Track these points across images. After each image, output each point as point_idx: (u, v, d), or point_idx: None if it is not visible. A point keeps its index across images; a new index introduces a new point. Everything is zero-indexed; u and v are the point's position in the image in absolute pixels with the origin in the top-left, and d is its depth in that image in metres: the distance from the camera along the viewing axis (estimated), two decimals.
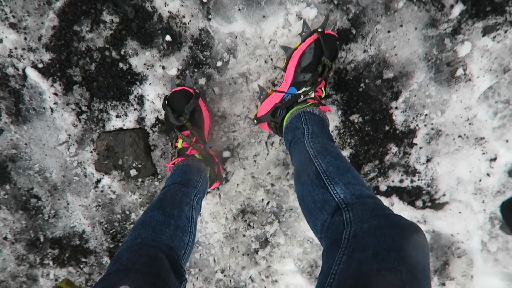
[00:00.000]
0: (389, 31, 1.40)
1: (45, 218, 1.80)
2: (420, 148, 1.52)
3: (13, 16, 1.50)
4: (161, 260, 0.92)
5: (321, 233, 0.90)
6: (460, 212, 1.56)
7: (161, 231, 1.03)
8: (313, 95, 1.30)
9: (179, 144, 1.42)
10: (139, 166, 1.65)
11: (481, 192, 1.53)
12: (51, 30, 1.52)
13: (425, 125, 1.49)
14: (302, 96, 1.30)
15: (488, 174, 1.51)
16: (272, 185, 1.67)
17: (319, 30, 1.29)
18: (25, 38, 1.53)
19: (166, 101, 1.41)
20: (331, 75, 1.48)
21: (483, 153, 1.49)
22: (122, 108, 1.60)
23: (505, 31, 1.34)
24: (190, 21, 1.47)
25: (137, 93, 1.57)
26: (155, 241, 1.00)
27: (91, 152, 1.67)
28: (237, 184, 1.68)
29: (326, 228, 0.87)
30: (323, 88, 1.34)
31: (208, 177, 1.45)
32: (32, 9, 1.49)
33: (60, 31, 1.52)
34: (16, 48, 1.54)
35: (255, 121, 1.47)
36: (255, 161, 1.64)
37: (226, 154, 1.63)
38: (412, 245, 0.69)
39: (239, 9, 1.43)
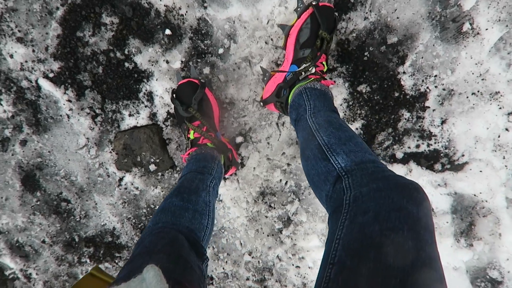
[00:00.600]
0: None
1: (77, 219, 1.74)
2: (433, 110, 1.36)
3: (19, 31, 1.42)
4: (181, 241, 0.90)
5: (326, 204, 0.85)
6: (481, 171, 1.39)
7: (181, 215, 1.00)
8: (313, 70, 1.17)
9: (191, 135, 1.34)
10: (157, 160, 1.55)
11: (501, 148, 1.36)
12: (56, 39, 1.43)
13: (435, 87, 1.33)
14: (303, 73, 1.17)
15: (506, 129, 1.33)
16: (288, 164, 1.55)
17: (314, 3, 1.16)
18: (33, 50, 1.45)
19: (174, 95, 1.32)
20: (333, 47, 1.33)
21: (500, 108, 1.31)
22: (133, 106, 1.50)
23: None
24: (186, 12, 1.35)
25: (146, 90, 1.47)
26: (175, 224, 0.97)
27: (110, 152, 1.59)
28: (254, 168, 1.56)
29: (329, 197, 0.82)
30: (324, 62, 1.21)
31: (223, 164, 1.36)
32: (35, 21, 1.41)
33: (65, 39, 1.43)
34: (26, 61, 1.46)
35: (262, 103, 1.35)
36: (268, 143, 1.52)
37: (239, 139, 1.52)
38: (412, 203, 0.65)
39: None
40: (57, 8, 1.39)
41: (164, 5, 1.35)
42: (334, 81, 1.36)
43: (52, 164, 1.63)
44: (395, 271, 0.55)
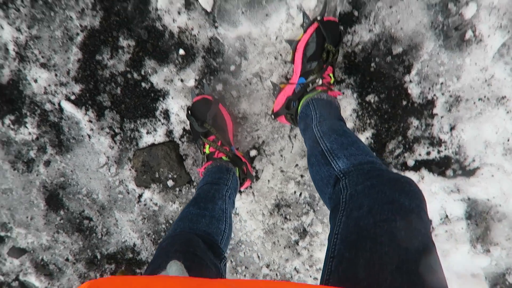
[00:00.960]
0: (391, 6, 1.28)
1: (99, 237, 1.78)
2: (442, 117, 1.38)
3: (42, 57, 1.50)
4: (196, 242, 0.93)
5: (329, 206, 0.89)
6: (492, 175, 1.40)
7: (198, 221, 1.04)
8: (320, 82, 1.21)
9: (207, 150, 1.38)
10: (175, 176, 1.60)
11: (511, 151, 1.38)
12: (77, 63, 1.50)
13: (442, 94, 1.35)
14: (310, 85, 1.22)
15: None
16: (302, 176, 1.57)
17: (318, 18, 1.21)
18: (56, 75, 1.52)
19: (189, 111, 1.37)
20: (340, 59, 1.38)
21: (507, 112, 1.33)
22: (150, 124, 1.56)
23: None
24: (199, 32, 1.41)
25: (162, 108, 1.53)
26: (192, 229, 1.01)
27: (130, 169, 1.64)
28: (268, 180, 1.59)
29: (330, 198, 0.86)
30: (331, 74, 1.25)
31: (238, 177, 1.40)
32: (57, 47, 1.49)
33: (85, 62, 1.50)
34: (49, 85, 1.54)
35: (273, 116, 1.40)
36: (281, 155, 1.55)
37: (253, 153, 1.56)
38: (404, 196, 0.69)
39: (242, 12, 1.36)
40: (77, 34, 1.47)
41: (178, 27, 1.41)
42: (342, 92, 1.40)
43: (74, 183, 1.69)
44: (390, 259, 0.58)
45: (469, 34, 1.26)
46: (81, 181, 1.69)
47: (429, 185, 1.45)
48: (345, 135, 0.97)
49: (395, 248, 0.60)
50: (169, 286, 0.49)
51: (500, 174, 1.39)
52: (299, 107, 1.24)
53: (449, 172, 1.44)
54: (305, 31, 1.25)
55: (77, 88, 1.53)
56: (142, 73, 1.49)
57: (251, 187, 1.62)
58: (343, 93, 1.41)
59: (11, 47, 1.49)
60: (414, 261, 0.58)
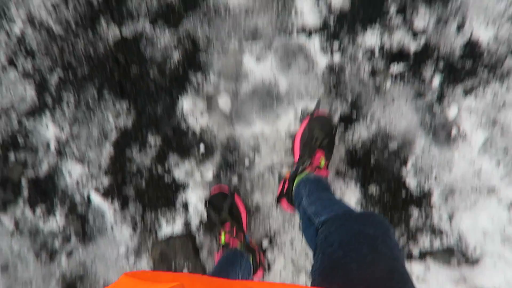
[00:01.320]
0: (384, 108, 1.52)
1: None
2: (440, 207, 1.52)
3: (78, 152, 1.72)
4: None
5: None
6: (495, 264, 1.48)
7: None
8: (309, 163, 1.41)
9: (222, 240, 1.50)
10: (190, 266, 1.70)
11: (509, 239, 1.47)
12: (108, 159, 1.72)
13: (438, 185, 1.51)
14: (301, 167, 1.41)
15: (511, 221, 1.47)
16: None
17: (310, 113, 1.47)
18: (88, 169, 1.72)
19: (207, 202, 1.54)
20: (342, 156, 1.56)
21: (499, 202, 1.47)
22: (170, 214, 1.70)
23: (483, 89, 1.44)
24: (218, 131, 1.64)
25: (182, 200, 1.69)
26: None
27: (147, 260, 1.74)
28: (280, 271, 1.67)
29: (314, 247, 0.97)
30: (322, 157, 1.43)
31: (251, 264, 1.49)
32: (92, 144, 1.71)
33: (115, 158, 1.71)
34: (81, 178, 1.73)
35: (276, 201, 1.55)
36: (292, 245, 1.66)
37: (265, 242, 1.67)
38: (369, 226, 0.80)
39: (256, 114, 1.61)
40: (112, 132, 1.71)
41: (200, 127, 1.65)
42: (328, 171, 1.56)
43: (93, 274, 1.78)
44: (360, 281, 0.67)
45: (454, 131, 1.46)
46: (99, 271, 1.78)
47: (436, 275, 1.52)
48: (330, 200, 1.12)
49: (363, 272, 0.69)
50: (193, 280, 0.60)
51: (502, 263, 1.47)
52: (293, 188, 1.41)
53: (454, 261, 1.52)
54: (300, 124, 1.50)
55: (106, 181, 1.72)
56: (166, 166, 1.69)
57: (263, 278, 1.69)
58: (329, 171, 1.58)
59: (52, 144, 1.73)
60: (382, 279, 0.67)
